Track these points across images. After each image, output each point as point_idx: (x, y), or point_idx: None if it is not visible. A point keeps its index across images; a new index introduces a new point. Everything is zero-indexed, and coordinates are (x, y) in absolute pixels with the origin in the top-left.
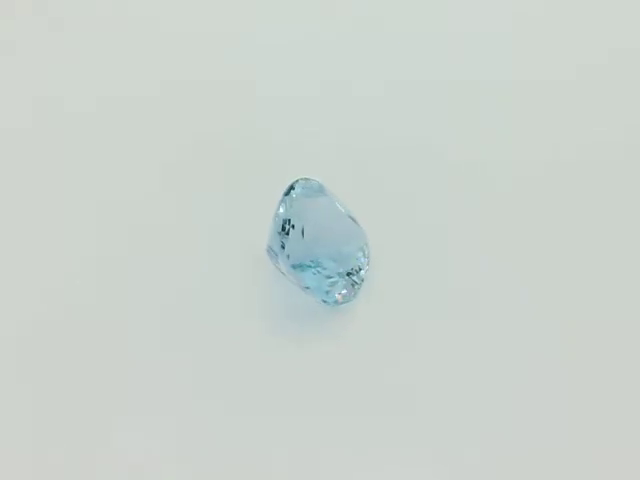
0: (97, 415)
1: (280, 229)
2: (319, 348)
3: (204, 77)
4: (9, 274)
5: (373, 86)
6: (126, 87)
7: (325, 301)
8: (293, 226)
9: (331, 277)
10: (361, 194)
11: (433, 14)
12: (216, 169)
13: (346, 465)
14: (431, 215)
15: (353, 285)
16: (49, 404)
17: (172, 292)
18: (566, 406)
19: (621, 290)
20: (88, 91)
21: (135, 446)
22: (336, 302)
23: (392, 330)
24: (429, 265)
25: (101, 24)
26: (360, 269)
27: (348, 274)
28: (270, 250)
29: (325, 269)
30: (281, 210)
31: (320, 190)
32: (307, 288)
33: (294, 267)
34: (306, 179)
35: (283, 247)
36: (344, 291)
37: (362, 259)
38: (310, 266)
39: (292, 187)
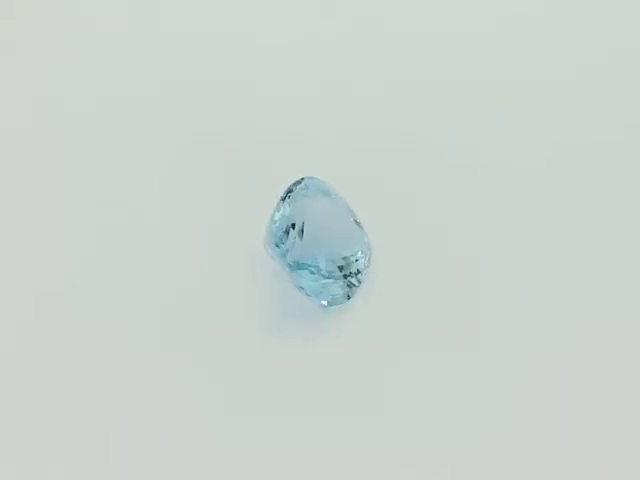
0: (97, 415)
1: (279, 226)
2: (318, 348)
3: (204, 77)
4: (9, 274)
5: (373, 86)
6: (126, 87)
7: (320, 302)
8: (293, 225)
9: (326, 278)
10: (361, 194)
11: (433, 14)
12: (216, 169)
13: (346, 465)
14: (431, 215)
15: (350, 287)
16: (49, 404)
17: (172, 292)
18: (566, 406)
19: (622, 290)
20: (88, 91)
21: (135, 446)
22: (329, 303)
23: (391, 331)
24: (429, 265)
25: (101, 24)
26: (358, 271)
27: (345, 276)
28: (267, 246)
29: (320, 270)
30: (282, 207)
31: (324, 190)
32: (301, 288)
33: (290, 265)
34: (311, 178)
35: (280, 244)
36: (339, 293)
37: (361, 262)
38: (306, 266)
39: (296, 184)
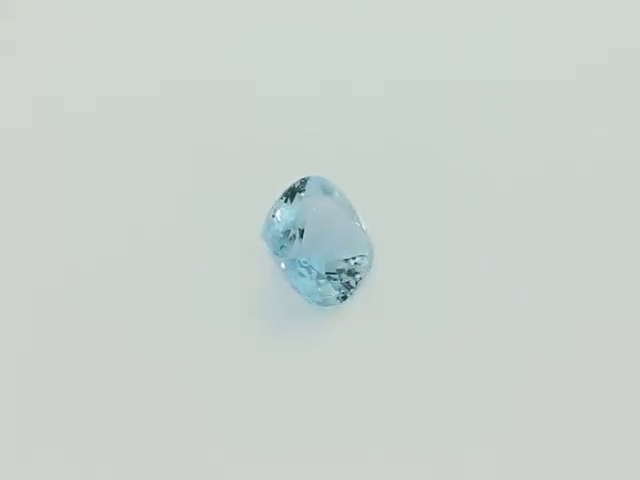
0: (96, 415)
1: (282, 228)
2: (317, 349)
3: (204, 77)
4: (9, 274)
5: (373, 86)
6: (126, 87)
7: (313, 301)
8: (293, 223)
9: (321, 278)
10: (361, 194)
11: (433, 14)
12: (216, 169)
13: (347, 465)
14: (430, 215)
15: (348, 288)
16: (49, 404)
17: (171, 292)
18: (567, 407)
19: (622, 290)
20: (88, 91)
21: (134, 445)
22: (322, 303)
23: (390, 331)
24: (429, 265)
25: (101, 24)
26: (357, 273)
27: (341, 278)
28: (265, 241)
29: (315, 270)
30: (286, 208)
31: (328, 190)
32: (295, 286)
33: (285, 263)
34: (316, 177)
35: (281, 244)
36: (333, 294)
37: (361, 265)
38: (301, 265)
39: (302, 183)
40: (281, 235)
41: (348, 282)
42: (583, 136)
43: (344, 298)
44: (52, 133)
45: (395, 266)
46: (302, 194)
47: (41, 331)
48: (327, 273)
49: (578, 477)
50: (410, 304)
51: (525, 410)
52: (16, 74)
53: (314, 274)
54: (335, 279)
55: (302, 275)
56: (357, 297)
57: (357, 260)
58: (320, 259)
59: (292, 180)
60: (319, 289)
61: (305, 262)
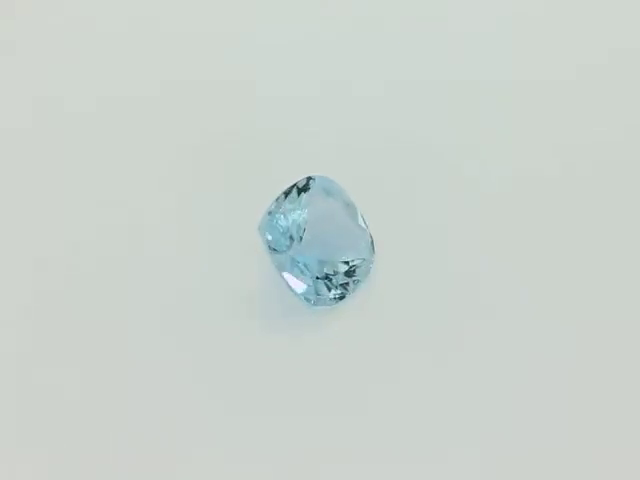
0: (96, 415)
1: (279, 220)
2: (317, 349)
3: (204, 77)
4: (8, 274)
5: (373, 86)
6: (126, 87)
7: (311, 301)
8: (294, 222)
9: (318, 279)
10: (361, 194)
11: (433, 14)
12: (216, 169)
13: (345, 465)
14: (430, 215)
15: (346, 289)
16: (49, 404)
17: (172, 292)
18: (567, 407)
19: (622, 291)
20: (88, 91)
21: (133, 445)
22: (316, 304)
23: (390, 331)
24: (429, 265)
25: (101, 24)
26: (354, 275)
27: (337, 280)
28: (262, 236)
29: (311, 271)
30: (292, 211)
31: (332, 190)
32: (288, 285)
33: (282, 261)
34: (321, 177)
35: (277, 238)
36: (327, 294)
37: (360, 268)
38: (296, 263)
39: (308, 183)
40: (280, 232)
41: (346, 284)
42: (583, 136)
43: (341, 299)
44: (52, 133)
45: (394, 266)
46: (306, 193)
47: (41, 331)
48: (325, 274)
49: (578, 477)
50: (409, 304)
51: (525, 410)
52: (16, 74)
53: (311, 274)
54: (332, 280)
55: (299, 274)
56: (354, 297)
57: (356, 262)
58: (318, 259)
59: (292, 180)
60: (315, 289)
61: (303, 262)
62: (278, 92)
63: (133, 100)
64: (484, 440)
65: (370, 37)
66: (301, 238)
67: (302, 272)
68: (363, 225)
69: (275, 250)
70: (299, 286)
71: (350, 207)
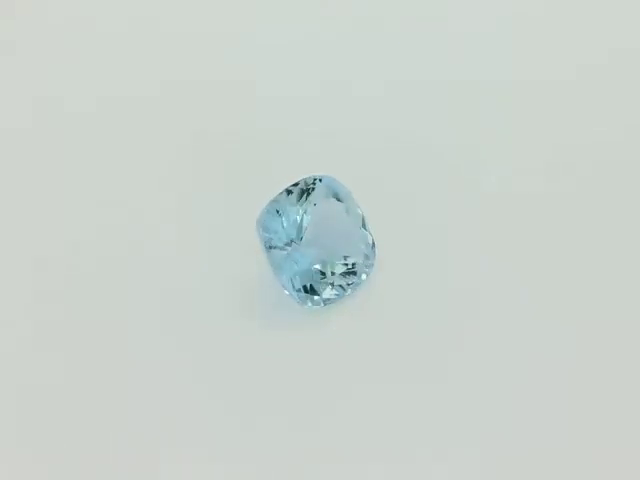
0: (96, 415)
1: (279, 218)
2: (316, 349)
3: (204, 77)
4: (8, 274)
5: (373, 86)
6: (126, 87)
7: (301, 298)
8: (295, 221)
9: (316, 279)
10: (360, 194)
11: (433, 14)
12: (216, 169)
13: (346, 465)
14: (430, 215)
15: (345, 289)
16: (49, 404)
17: (171, 292)
18: (567, 408)
19: (622, 291)
20: (88, 91)
21: (132, 445)
22: (308, 303)
23: (390, 332)
24: (429, 266)
25: (101, 24)
26: (353, 276)
27: (333, 280)
28: (260, 229)
29: (307, 270)
30: (297, 213)
31: (337, 192)
32: (281, 283)
33: (279, 260)
34: (328, 177)
35: (276, 236)
36: (323, 295)
37: (359, 270)
38: (292, 263)
39: (313, 184)
40: (279, 230)
41: (343, 284)
42: (583, 136)
43: (337, 299)
44: (52, 133)
45: (394, 266)
46: (310, 193)
47: (41, 331)
48: (322, 274)
49: (578, 477)
50: (409, 304)
51: (525, 410)
52: (16, 74)
53: (308, 273)
54: (329, 280)
55: (295, 274)
56: (354, 297)
57: (355, 263)
58: (317, 259)
59: (292, 180)
60: (311, 290)
61: (301, 261)
62: (278, 92)
63: (133, 100)
64: (484, 440)
65: (370, 37)
66: (301, 238)
67: (299, 271)
68: (365, 228)
69: (271, 248)
70: (294, 286)
71: (353, 209)
